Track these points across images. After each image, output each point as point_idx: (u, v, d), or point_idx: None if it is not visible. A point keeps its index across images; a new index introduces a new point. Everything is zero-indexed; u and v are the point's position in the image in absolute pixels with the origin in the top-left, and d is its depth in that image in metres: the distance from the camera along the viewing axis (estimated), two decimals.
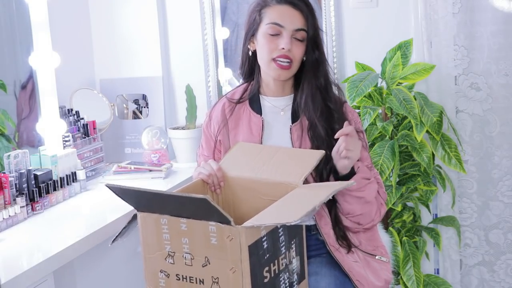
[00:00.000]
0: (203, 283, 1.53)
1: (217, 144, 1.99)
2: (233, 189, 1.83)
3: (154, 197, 1.55)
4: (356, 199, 1.84)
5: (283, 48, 1.85)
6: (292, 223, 1.42)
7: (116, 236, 1.67)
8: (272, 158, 1.82)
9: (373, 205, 1.88)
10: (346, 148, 1.76)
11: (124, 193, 1.57)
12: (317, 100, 1.90)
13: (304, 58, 1.92)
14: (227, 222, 1.45)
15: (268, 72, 1.92)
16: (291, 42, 1.86)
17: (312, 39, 1.89)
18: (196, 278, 1.54)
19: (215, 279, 1.51)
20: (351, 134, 1.77)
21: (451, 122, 2.59)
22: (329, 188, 1.62)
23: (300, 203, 1.56)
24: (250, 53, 1.97)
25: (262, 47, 1.89)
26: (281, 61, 1.87)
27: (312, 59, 1.91)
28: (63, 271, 1.86)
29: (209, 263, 1.51)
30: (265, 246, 1.52)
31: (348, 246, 1.88)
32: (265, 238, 1.52)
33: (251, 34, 1.94)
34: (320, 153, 1.80)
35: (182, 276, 1.56)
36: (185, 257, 1.54)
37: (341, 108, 1.93)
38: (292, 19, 1.87)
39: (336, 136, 1.77)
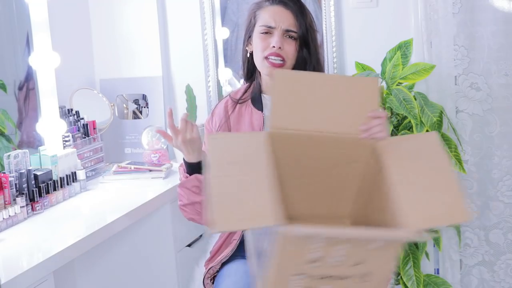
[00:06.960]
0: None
1: None
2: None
3: None
4: None
5: (274, 46, 1.91)
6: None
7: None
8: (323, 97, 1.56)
9: None
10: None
11: None
12: None
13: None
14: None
15: (262, 70, 1.98)
16: (282, 40, 1.93)
17: (302, 38, 1.95)
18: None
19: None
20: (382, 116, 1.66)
21: (451, 122, 2.59)
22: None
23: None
24: (248, 55, 2.04)
25: (256, 46, 1.97)
26: (273, 59, 1.93)
27: (301, 57, 1.97)
28: (63, 271, 1.87)
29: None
30: None
31: None
32: None
33: (248, 36, 2.02)
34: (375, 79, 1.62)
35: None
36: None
37: None
38: (282, 18, 1.93)
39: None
